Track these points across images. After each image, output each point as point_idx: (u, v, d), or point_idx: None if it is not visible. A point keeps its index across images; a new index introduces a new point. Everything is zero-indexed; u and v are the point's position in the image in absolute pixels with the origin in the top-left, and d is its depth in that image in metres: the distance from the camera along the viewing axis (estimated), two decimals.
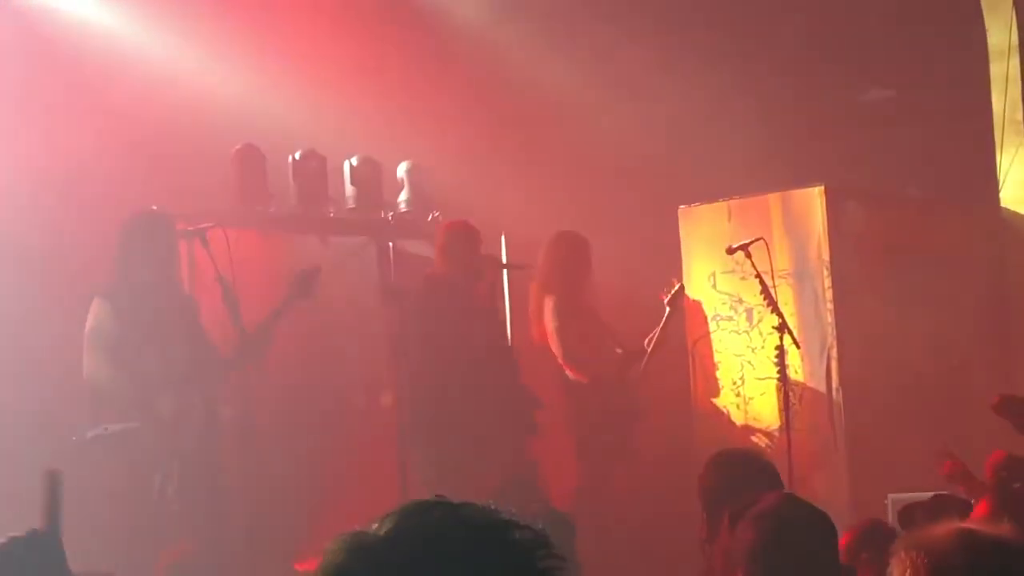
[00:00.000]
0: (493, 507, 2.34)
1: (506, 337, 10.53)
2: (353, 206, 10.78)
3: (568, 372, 10.48)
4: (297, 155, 10.63)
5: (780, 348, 9.83)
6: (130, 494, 8.50)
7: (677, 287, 10.69)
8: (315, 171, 10.66)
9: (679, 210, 11.14)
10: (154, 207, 8.91)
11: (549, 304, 10.51)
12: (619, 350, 10.82)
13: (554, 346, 10.52)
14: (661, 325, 10.65)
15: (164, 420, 8.53)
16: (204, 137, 10.00)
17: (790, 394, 9.99)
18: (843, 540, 5.73)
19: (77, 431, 8.51)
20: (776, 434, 10.34)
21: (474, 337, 9.72)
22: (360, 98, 10.74)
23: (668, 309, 10.65)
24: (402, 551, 2.23)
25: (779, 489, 5.39)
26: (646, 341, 10.70)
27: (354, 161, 10.81)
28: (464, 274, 9.90)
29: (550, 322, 10.50)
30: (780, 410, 10.12)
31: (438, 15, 11.42)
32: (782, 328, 9.79)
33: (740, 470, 5.68)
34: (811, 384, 10.35)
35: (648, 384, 10.68)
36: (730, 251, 10.03)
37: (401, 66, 11.17)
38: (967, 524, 3.54)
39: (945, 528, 3.42)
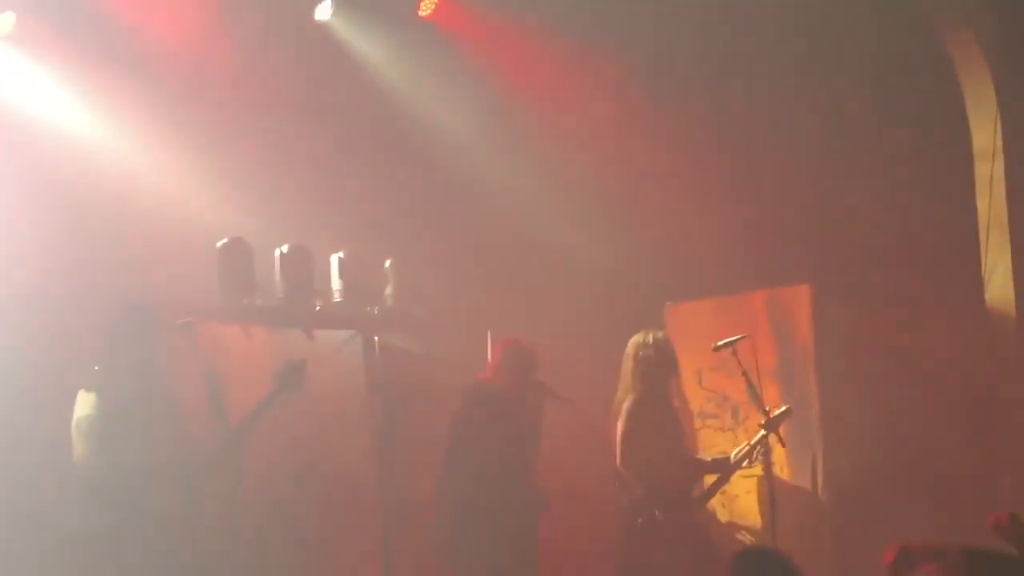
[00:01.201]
0: None
1: (535, 458, 10.18)
2: (339, 300, 10.77)
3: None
4: (284, 249, 10.64)
5: (765, 446, 9.80)
6: None
7: (784, 409, 9.94)
8: (301, 265, 10.66)
9: (666, 308, 11.14)
10: (139, 301, 8.88)
11: (626, 405, 10.06)
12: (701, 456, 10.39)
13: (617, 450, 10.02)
14: (753, 442, 9.97)
15: (147, 513, 8.45)
16: (185, 233, 10.03)
17: (775, 492, 9.92)
18: None
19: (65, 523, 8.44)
20: (760, 532, 10.29)
21: (510, 448, 9.72)
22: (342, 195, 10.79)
23: (763, 431, 9.91)
24: None
25: None
26: (734, 453, 10.08)
27: (341, 255, 10.83)
28: (514, 388, 9.90)
29: (620, 424, 10.01)
30: (765, 508, 10.06)
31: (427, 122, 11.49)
32: (767, 426, 9.75)
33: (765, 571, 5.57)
34: (797, 482, 10.30)
35: None
36: (716, 349, 10.01)
37: (385, 165, 11.21)
38: None
39: None
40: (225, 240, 10.54)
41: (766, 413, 9.75)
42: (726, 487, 10.32)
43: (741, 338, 9.95)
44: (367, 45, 11.52)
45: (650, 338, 10.11)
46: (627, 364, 10.09)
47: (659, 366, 9.98)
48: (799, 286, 10.65)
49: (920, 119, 11.14)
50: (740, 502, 10.56)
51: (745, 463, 9.94)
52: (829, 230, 11.21)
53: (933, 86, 11.14)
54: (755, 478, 10.30)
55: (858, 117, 11.06)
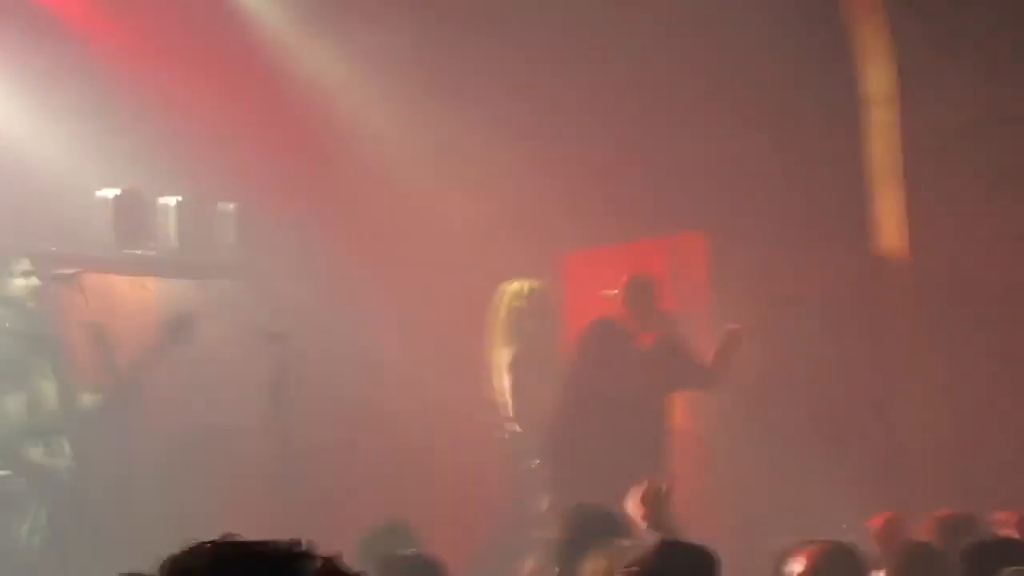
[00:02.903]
0: (292, 543, 2.33)
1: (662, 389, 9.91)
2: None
3: None
4: (179, 198, 10.53)
5: None
6: None
7: None
8: (197, 215, 10.57)
9: (561, 257, 11.14)
10: (19, 249, 8.76)
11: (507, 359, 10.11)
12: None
13: None
14: None
15: (32, 467, 8.36)
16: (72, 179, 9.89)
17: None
18: None
19: None
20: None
21: (632, 381, 9.56)
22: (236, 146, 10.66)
23: None
24: None
25: None
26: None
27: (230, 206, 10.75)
28: (640, 322, 9.73)
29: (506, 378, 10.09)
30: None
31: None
32: None
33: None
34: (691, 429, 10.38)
35: None
36: (607, 298, 9.98)
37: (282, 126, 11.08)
38: None
39: None
40: (117, 190, 10.42)
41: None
42: None
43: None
44: None
45: (525, 288, 10.09)
46: (498, 313, 10.06)
47: (533, 316, 9.96)
48: (694, 232, 10.67)
49: (812, 64, 11.15)
50: None
51: None
52: (723, 177, 11.21)
53: (826, 30, 11.16)
54: None
55: (749, 62, 11.05)
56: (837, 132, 11.23)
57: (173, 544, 2.57)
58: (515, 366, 9.93)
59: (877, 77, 11.02)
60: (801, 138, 11.14)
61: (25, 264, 8.59)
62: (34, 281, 8.60)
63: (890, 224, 11.06)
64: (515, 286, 10.12)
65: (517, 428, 9.95)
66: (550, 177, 10.99)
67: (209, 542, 2.31)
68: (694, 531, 6.24)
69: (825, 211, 11.19)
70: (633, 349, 9.56)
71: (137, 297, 10.38)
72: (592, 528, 5.99)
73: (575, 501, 6.81)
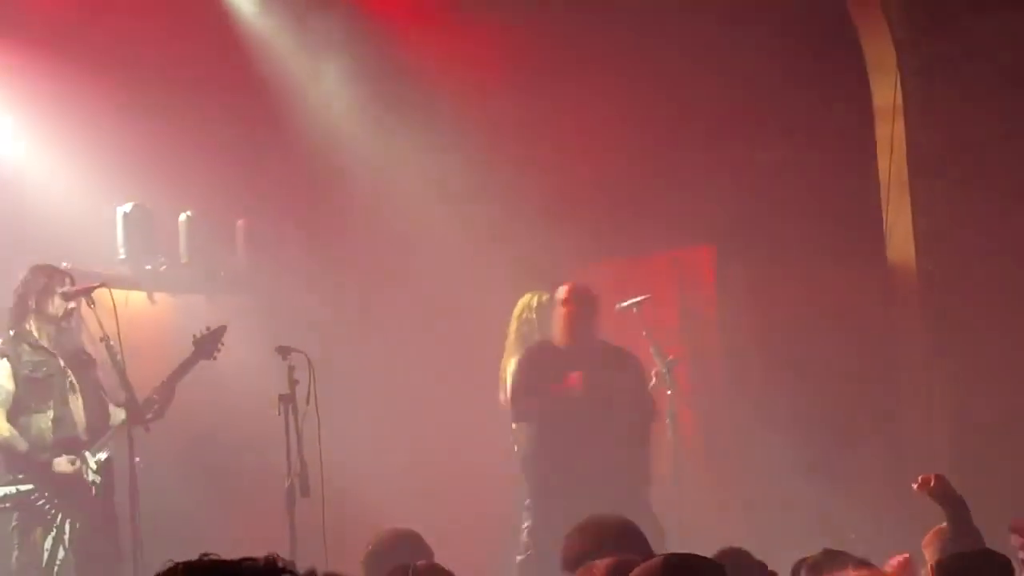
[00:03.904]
0: (269, 559, 2.34)
1: None
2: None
3: None
4: (189, 214, 10.63)
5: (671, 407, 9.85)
6: (22, 555, 8.41)
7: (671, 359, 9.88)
8: (205, 230, 10.66)
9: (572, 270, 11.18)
10: (50, 263, 8.85)
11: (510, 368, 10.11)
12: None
13: None
14: None
15: (59, 481, 8.43)
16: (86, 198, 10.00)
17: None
18: None
19: None
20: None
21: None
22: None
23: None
24: None
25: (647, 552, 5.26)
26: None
27: (240, 223, 10.83)
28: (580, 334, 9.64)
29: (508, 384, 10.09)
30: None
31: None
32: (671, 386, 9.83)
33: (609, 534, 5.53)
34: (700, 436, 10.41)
35: None
36: (619, 309, 10.05)
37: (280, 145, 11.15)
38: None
39: None
40: (128, 206, 10.51)
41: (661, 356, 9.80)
42: None
43: (645, 298, 10.01)
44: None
45: (534, 301, 10.18)
46: (516, 324, 10.17)
47: (543, 328, 10.03)
48: (703, 246, 10.71)
49: (822, 79, 11.20)
50: None
51: None
52: (733, 190, 11.25)
53: (835, 46, 11.20)
54: None
55: (760, 77, 11.09)
56: (847, 146, 11.27)
57: (193, 550, 2.60)
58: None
59: (886, 91, 11.05)
60: (811, 152, 11.18)
61: (67, 284, 8.68)
62: (72, 303, 8.69)
63: (899, 237, 11.08)
64: (526, 298, 10.20)
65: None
66: (562, 190, 11.05)
67: (183, 563, 2.32)
68: (703, 541, 6.26)
69: (834, 225, 11.22)
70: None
71: (148, 311, 10.47)
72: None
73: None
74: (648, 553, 5.19)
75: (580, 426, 9.32)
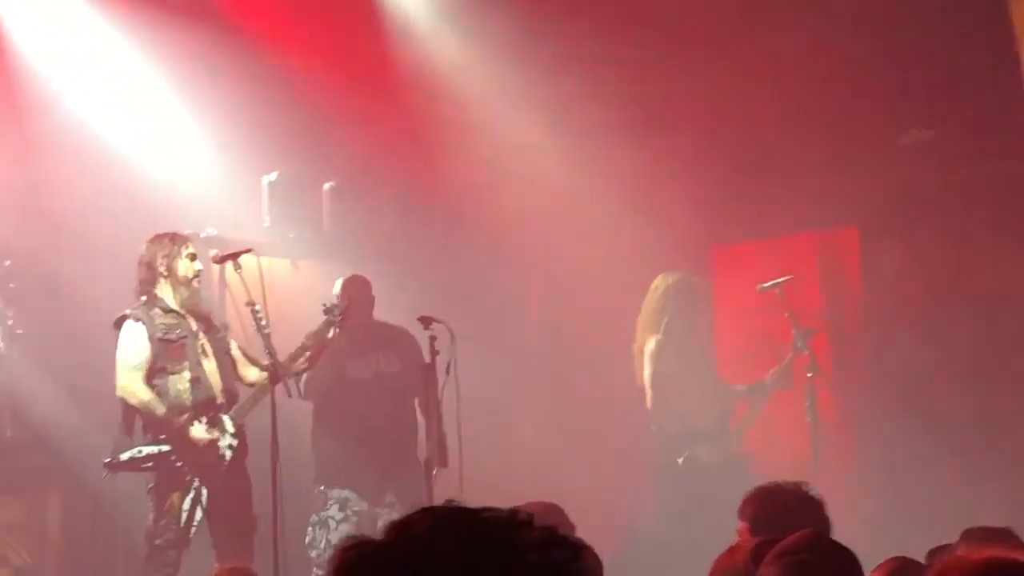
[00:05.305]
0: (510, 512, 2.37)
1: None
2: None
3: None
4: (332, 183, 10.75)
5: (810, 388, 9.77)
6: (160, 516, 8.55)
7: (811, 328, 9.99)
8: (349, 199, 10.77)
9: (712, 249, 11.11)
10: (179, 229, 8.96)
11: (650, 347, 10.12)
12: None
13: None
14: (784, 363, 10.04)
15: (195, 444, 8.54)
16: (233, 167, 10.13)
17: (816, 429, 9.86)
18: None
19: (111, 452, 8.55)
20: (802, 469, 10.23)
21: None
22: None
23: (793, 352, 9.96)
24: (400, 557, 2.29)
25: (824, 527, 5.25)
26: (770, 374, 10.09)
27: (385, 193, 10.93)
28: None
29: (646, 367, 10.10)
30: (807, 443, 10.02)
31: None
32: (796, 343, 9.76)
33: (790, 501, 5.51)
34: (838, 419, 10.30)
35: None
36: (762, 290, 9.99)
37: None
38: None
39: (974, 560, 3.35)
40: (273, 175, 10.64)
41: (799, 330, 9.74)
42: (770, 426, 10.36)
43: (787, 279, 9.94)
44: None
45: (672, 279, 10.13)
46: (652, 304, 10.12)
47: (687, 308, 10.01)
48: (847, 228, 10.57)
49: (970, 56, 10.97)
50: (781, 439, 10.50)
51: (780, 384, 9.99)
52: (878, 172, 11.08)
53: (984, 22, 10.98)
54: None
55: (905, 54, 10.90)
56: (994, 126, 11.04)
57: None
58: (658, 355, 9.98)
59: None
60: (956, 132, 10.97)
61: (191, 247, 8.78)
62: (198, 263, 8.79)
63: None
64: (664, 277, 10.17)
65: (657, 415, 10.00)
66: (704, 170, 10.97)
67: (429, 507, 2.39)
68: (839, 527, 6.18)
69: (982, 206, 11.00)
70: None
71: (291, 278, 10.58)
72: None
73: None
74: None
75: None
